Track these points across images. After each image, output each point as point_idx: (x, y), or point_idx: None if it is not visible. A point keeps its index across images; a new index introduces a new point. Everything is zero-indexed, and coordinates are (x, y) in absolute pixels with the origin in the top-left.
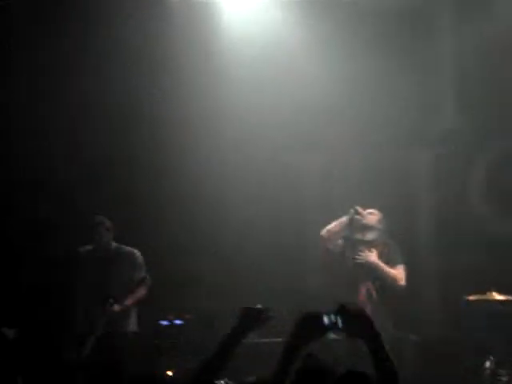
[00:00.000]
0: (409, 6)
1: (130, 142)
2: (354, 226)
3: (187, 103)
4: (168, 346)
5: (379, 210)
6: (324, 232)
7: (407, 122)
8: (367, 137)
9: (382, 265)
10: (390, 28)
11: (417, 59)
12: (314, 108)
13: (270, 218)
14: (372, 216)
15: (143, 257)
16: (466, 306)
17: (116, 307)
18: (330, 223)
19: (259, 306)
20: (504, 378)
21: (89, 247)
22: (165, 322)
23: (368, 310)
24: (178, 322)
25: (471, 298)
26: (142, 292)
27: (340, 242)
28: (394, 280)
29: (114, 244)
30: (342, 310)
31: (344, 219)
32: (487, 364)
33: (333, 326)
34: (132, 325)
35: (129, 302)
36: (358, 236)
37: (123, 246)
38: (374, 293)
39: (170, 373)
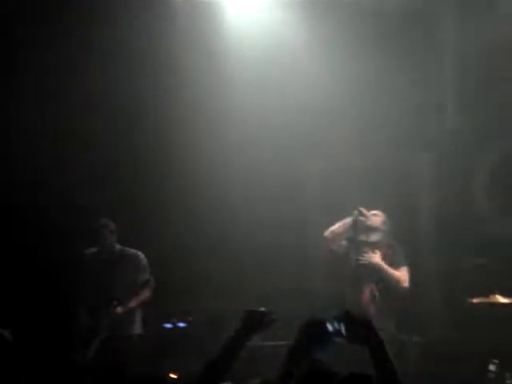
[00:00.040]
0: (410, 7)
1: (134, 143)
2: (358, 227)
3: (191, 104)
4: (172, 349)
5: (382, 210)
6: (328, 233)
7: (409, 122)
8: (369, 137)
9: (385, 266)
10: (392, 28)
11: (418, 59)
12: (316, 108)
13: (275, 218)
14: (376, 217)
15: (148, 259)
16: (470, 309)
17: (119, 309)
18: (334, 224)
19: (263, 309)
20: (509, 381)
21: (93, 249)
22: (169, 325)
23: (371, 311)
24: (181, 324)
25: (475, 300)
26: (145, 294)
27: (344, 243)
28: (397, 282)
29: (118, 246)
30: (346, 318)
31: (348, 220)
32: (491, 367)
33: (337, 333)
34: (136, 327)
35: (132, 304)
36: (362, 237)
37: (127, 248)
38: (377, 294)
39: (173, 375)
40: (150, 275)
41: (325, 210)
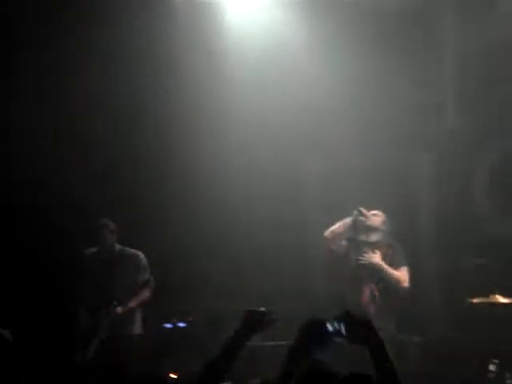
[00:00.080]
0: (410, 7)
1: (134, 143)
2: (358, 227)
3: (191, 104)
4: (172, 349)
5: (382, 210)
6: (328, 233)
7: (409, 122)
8: (369, 137)
9: (385, 266)
10: (392, 28)
11: (418, 59)
12: (316, 108)
13: (274, 218)
14: (376, 217)
15: (148, 258)
16: (470, 309)
17: (119, 309)
18: (334, 224)
19: (262, 309)
20: (509, 381)
21: (93, 249)
22: (169, 325)
23: (371, 311)
24: (181, 324)
25: (475, 300)
26: (145, 294)
27: (344, 243)
28: (397, 282)
29: (117, 246)
30: (346, 318)
31: (348, 220)
32: (491, 367)
33: (337, 333)
34: (136, 327)
35: (132, 304)
36: (362, 237)
37: (127, 249)
38: (377, 294)
39: (173, 375)
40: (150, 275)
41: (325, 209)
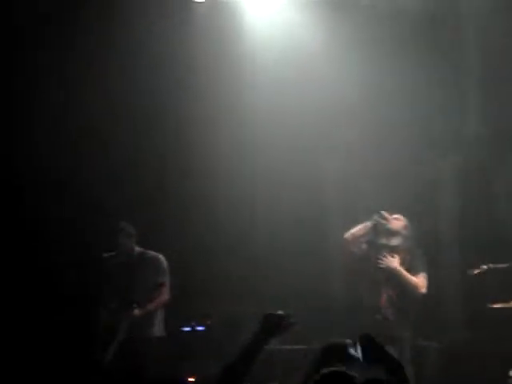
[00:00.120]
0: (426, 8)
1: (154, 143)
2: (379, 230)
3: (210, 104)
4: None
5: (403, 214)
6: (348, 235)
7: (428, 124)
8: (387, 139)
9: (403, 272)
10: (409, 30)
11: (436, 61)
12: (334, 110)
13: (294, 219)
14: (397, 221)
15: (168, 260)
16: (490, 314)
17: (137, 312)
18: (352, 225)
19: (281, 312)
20: None
21: (112, 252)
22: (187, 328)
23: (389, 315)
24: (200, 328)
25: (495, 305)
26: (165, 297)
27: (364, 246)
28: (414, 288)
29: (137, 249)
30: (360, 343)
31: (369, 223)
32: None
33: (357, 357)
34: (156, 330)
35: (151, 306)
36: (383, 241)
37: (147, 251)
38: (395, 298)
39: (192, 378)
40: (169, 278)
41: (343, 211)
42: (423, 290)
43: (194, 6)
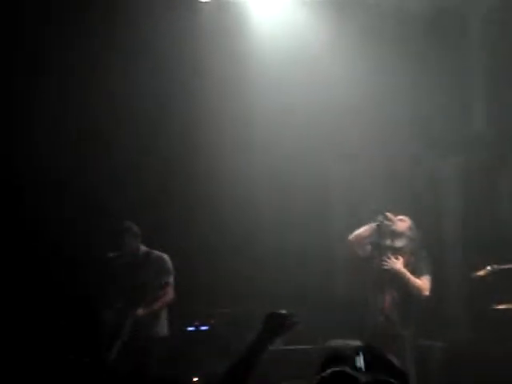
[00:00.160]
0: (431, 8)
1: (158, 144)
2: (383, 231)
3: (215, 105)
4: (194, 351)
5: (407, 214)
6: (352, 236)
7: (432, 123)
8: (392, 138)
9: (406, 274)
10: (413, 29)
11: (441, 60)
12: (339, 109)
13: (299, 218)
14: (402, 223)
15: (173, 260)
16: (494, 314)
17: (141, 311)
18: (357, 224)
19: (284, 311)
20: None
21: (117, 253)
22: (191, 328)
23: (393, 316)
24: (204, 327)
25: (500, 306)
26: (169, 296)
27: (368, 247)
28: (418, 290)
29: (142, 248)
30: (364, 352)
31: (373, 225)
32: None
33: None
34: (160, 329)
35: (155, 306)
36: (387, 242)
37: (153, 251)
38: (398, 300)
39: (195, 378)
40: (174, 278)
41: (348, 210)
42: (427, 292)
43: (199, 6)
